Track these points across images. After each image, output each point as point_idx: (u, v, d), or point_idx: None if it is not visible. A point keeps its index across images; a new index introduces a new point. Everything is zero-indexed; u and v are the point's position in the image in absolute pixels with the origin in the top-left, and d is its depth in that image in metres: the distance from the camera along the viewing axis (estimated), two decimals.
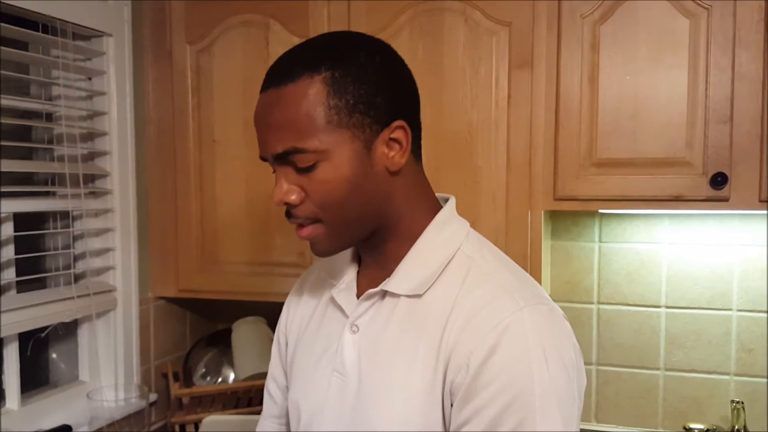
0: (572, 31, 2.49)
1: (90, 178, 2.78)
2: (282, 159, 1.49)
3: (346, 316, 1.68)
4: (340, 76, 1.49)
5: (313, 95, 1.48)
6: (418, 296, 1.58)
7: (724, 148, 2.36)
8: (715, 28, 2.35)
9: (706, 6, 2.35)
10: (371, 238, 1.62)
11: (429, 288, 1.57)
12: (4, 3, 2.31)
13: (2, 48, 2.38)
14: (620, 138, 2.46)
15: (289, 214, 1.54)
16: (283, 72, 1.52)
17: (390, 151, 1.55)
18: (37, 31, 2.54)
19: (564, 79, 2.50)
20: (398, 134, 1.54)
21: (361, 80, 1.50)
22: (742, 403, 2.75)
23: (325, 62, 1.49)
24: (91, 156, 2.81)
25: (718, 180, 2.35)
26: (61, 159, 2.63)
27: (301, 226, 1.54)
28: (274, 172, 1.54)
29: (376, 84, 1.52)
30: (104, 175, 2.81)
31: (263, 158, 1.55)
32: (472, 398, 1.43)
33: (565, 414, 1.42)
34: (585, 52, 2.48)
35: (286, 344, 1.94)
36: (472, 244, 1.64)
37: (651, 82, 2.42)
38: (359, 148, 1.51)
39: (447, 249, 1.61)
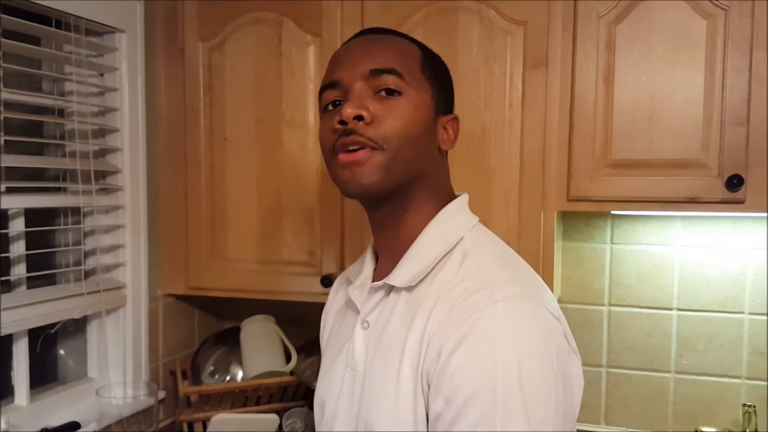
0: (588, 31, 2.48)
1: (101, 175, 2.77)
2: (375, 75, 1.58)
3: (359, 313, 1.71)
4: (430, 55, 1.70)
5: (411, 49, 1.68)
6: (412, 288, 1.61)
7: (740, 150, 2.35)
8: (732, 29, 2.34)
9: (724, 6, 2.34)
10: (389, 206, 1.65)
11: (422, 280, 1.60)
12: None
13: (15, 43, 2.37)
14: (635, 139, 2.45)
15: (348, 133, 1.54)
16: (384, 30, 1.73)
17: (445, 133, 1.68)
18: (50, 26, 2.54)
19: (579, 80, 2.49)
20: (453, 125, 1.71)
21: (442, 68, 1.72)
22: (754, 406, 2.74)
23: (417, 43, 1.71)
24: (102, 152, 2.80)
25: (734, 182, 2.34)
26: (72, 155, 2.63)
27: (355, 151, 1.55)
28: (328, 108, 1.63)
29: (448, 79, 1.73)
30: (115, 172, 2.80)
31: (334, 83, 1.62)
32: (441, 390, 1.44)
33: (533, 413, 1.39)
34: (600, 53, 2.47)
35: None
36: (473, 238, 1.66)
37: (667, 83, 2.41)
38: (433, 107, 1.64)
39: (445, 242, 1.63)
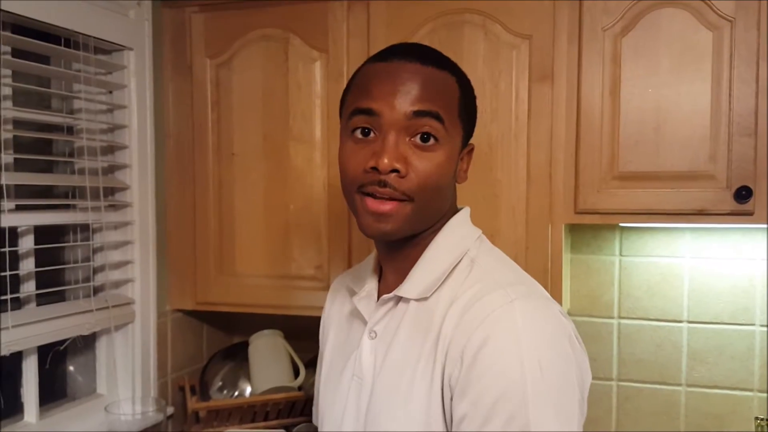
0: (593, 44, 2.48)
1: (110, 191, 2.78)
2: (417, 116, 1.54)
3: (366, 323, 1.72)
4: (466, 86, 1.66)
5: (452, 88, 1.62)
6: (425, 299, 1.62)
7: (748, 161, 2.34)
8: (738, 41, 2.34)
9: (730, 18, 2.34)
10: (404, 243, 1.67)
11: (435, 291, 1.61)
12: (26, 18, 2.31)
13: (25, 62, 2.38)
14: (642, 151, 2.45)
15: (382, 184, 1.53)
16: (427, 54, 1.64)
17: (461, 166, 1.68)
18: (59, 45, 2.55)
19: (585, 92, 2.49)
20: (469, 156, 1.72)
21: (473, 100, 1.69)
22: (767, 420, 2.73)
23: (456, 69, 1.66)
24: (111, 169, 2.81)
25: (743, 194, 2.33)
26: (81, 172, 2.63)
27: (383, 201, 1.54)
28: (356, 131, 1.60)
29: (475, 110, 1.72)
30: (124, 188, 2.81)
31: (370, 112, 1.57)
32: (467, 392, 1.45)
33: (559, 405, 1.42)
34: (606, 65, 2.47)
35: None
36: (478, 248, 1.68)
37: (674, 95, 2.41)
38: (459, 148, 1.64)
39: (454, 253, 1.65)
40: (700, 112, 2.38)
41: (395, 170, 1.52)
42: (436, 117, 1.55)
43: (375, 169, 1.52)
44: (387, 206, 1.54)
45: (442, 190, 1.60)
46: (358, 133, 1.59)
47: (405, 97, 1.55)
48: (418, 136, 1.55)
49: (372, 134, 1.57)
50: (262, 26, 2.85)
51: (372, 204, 1.55)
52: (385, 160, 1.51)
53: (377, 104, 1.56)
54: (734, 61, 2.35)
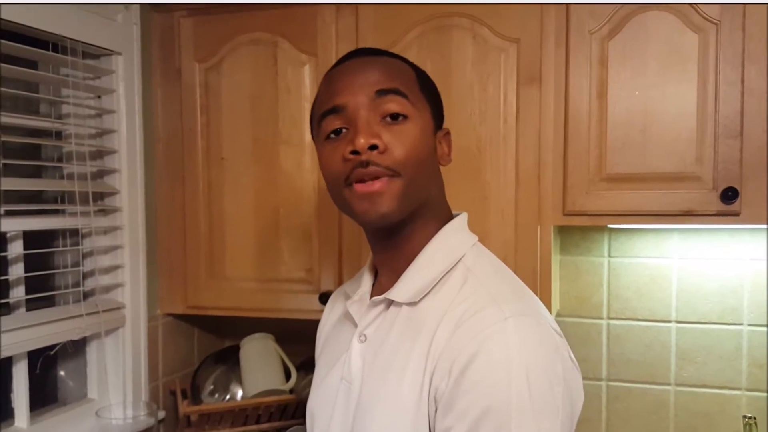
0: (581, 47, 2.49)
1: (99, 196, 2.78)
2: (380, 95, 1.58)
3: (356, 326, 1.72)
4: (421, 73, 1.71)
5: (407, 69, 1.69)
6: (415, 304, 1.61)
7: (734, 162, 2.36)
8: (724, 43, 2.35)
9: (715, 21, 2.36)
10: (398, 232, 1.66)
11: (425, 296, 1.61)
12: (14, 23, 2.32)
13: (12, 67, 2.38)
14: (630, 153, 2.46)
15: (365, 164, 1.54)
16: (377, 50, 1.75)
17: (441, 149, 1.71)
18: (47, 50, 2.55)
19: (573, 95, 2.50)
20: (447, 139, 1.74)
21: (432, 83, 1.73)
22: (755, 418, 2.74)
23: (409, 62, 1.72)
24: (100, 174, 2.81)
25: (729, 195, 2.34)
26: (70, 177, 2.63)
27: (371, 181, 1.55)
28: (331, 136, 1.63)
29: (438, 94, 1.74)
30: (113, 193, 2.81)
31: (336, 109, 1.61)
32: (453, 406, 1.45)
33: (543, 428, 1.41)
34: (593, 68, 2.48)
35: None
36: (474, 256, 1.68)
37: (660, 97, 2.42)
38: (432, 126, 1.67)
39: (447, 259, 1.64)
40: (687, 114, 2.40)
41: (373, 147, 1.53)
42: (399, 93, 1.59)
43: (354, 153, 1.54)
44: (376, 185, 1.54)
45: (424, 164, 1.61)
46: (332, 135, 1.62)
47: (365, 83, 1.59)
48: (388, 116, 1.57)
49: (344, 131, 1.60)
50: (251, 30, 2.85)
51: (361, 187, 1.56)
52: (361, 140, 1.52)
53: (341, 98, 1.60)
54: (720, 64, 2.36)
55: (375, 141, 1.53)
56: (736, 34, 2.35)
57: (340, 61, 1.72)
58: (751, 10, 2.34)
